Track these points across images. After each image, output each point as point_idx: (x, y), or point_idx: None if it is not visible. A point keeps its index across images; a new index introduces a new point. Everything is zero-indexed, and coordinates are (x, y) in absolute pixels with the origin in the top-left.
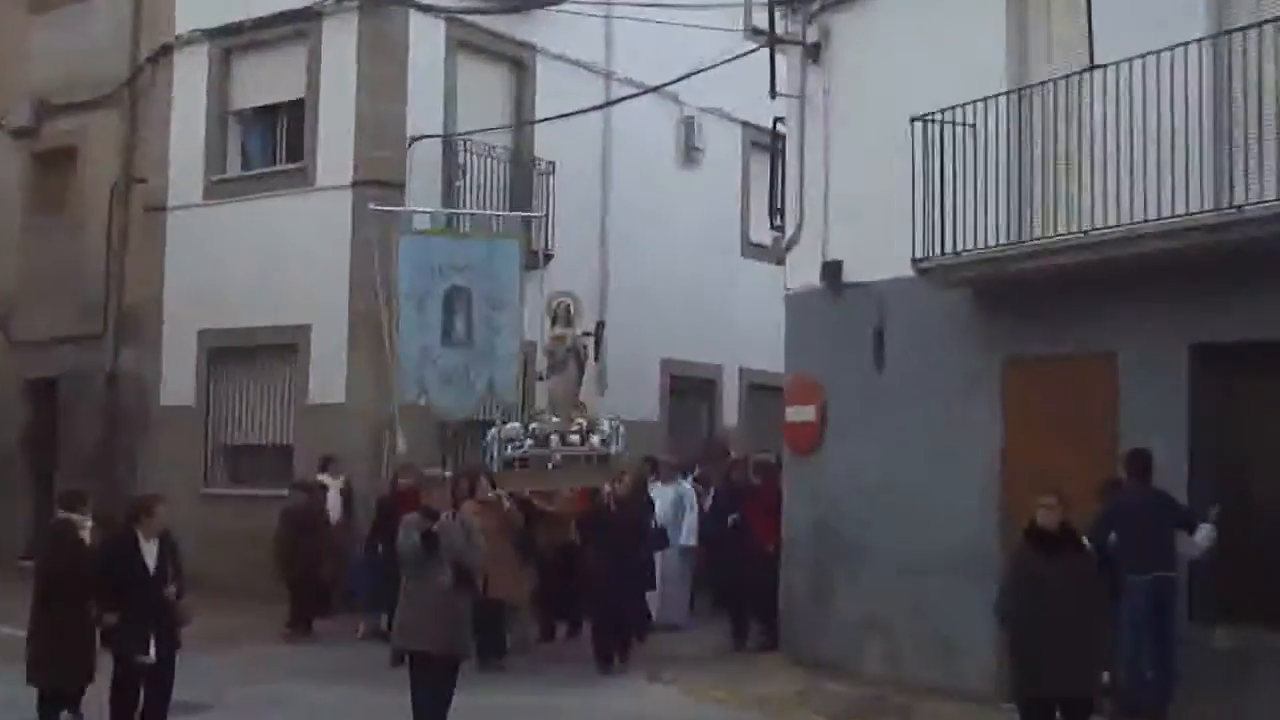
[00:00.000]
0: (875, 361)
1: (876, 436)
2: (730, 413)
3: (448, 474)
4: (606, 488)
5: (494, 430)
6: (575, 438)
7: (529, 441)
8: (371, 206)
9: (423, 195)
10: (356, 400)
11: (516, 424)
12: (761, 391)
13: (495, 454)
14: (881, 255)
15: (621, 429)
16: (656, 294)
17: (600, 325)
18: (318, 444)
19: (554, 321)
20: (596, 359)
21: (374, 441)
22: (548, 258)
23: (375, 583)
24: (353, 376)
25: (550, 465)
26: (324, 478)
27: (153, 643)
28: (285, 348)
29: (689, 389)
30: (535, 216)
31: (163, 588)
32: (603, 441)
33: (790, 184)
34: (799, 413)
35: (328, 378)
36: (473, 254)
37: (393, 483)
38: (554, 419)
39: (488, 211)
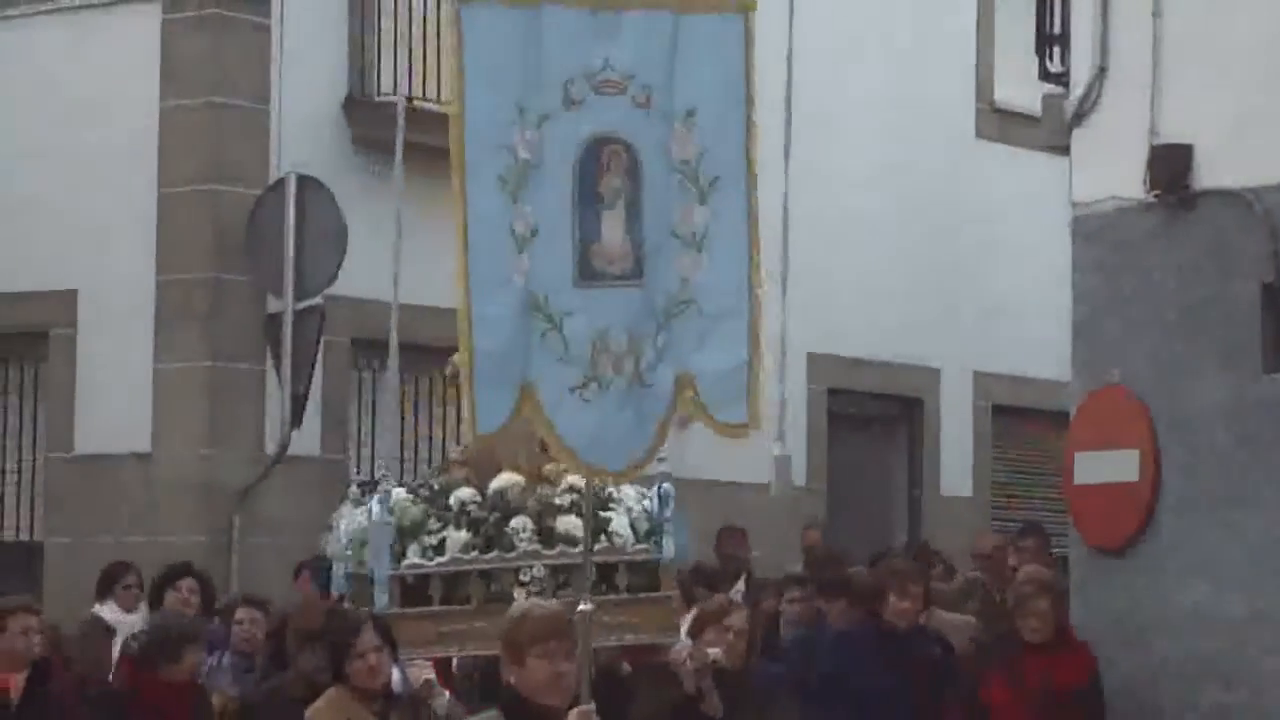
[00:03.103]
0: (1265, 355)
1: (1272, 519)
2: (955, 463)
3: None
4: (687, 657)
5: (349, 512)
6: (569, 522)
7: (453, 535)
8: None
9: (316, 23)
10: (177, 447)
11: (403, 491)
12: (1018, 419)
13: (381, 570)
14: (1278, 135)
15: (672, 496)
16: (798, 223)
17: None
18: (94, 540)
19: None
20: None
21: (215, 535)
22: None
23: None
24: (170, 397)
25: (525, 593)
26: (104, 611)
27: None
28: (27, 339)
29: (869, 417)
30: None
31: None
32: (638, 531)
33: None
34: (1102, 465)
35: (114, 401)
36: (640, 58)
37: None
38: (513, 478)
39: None
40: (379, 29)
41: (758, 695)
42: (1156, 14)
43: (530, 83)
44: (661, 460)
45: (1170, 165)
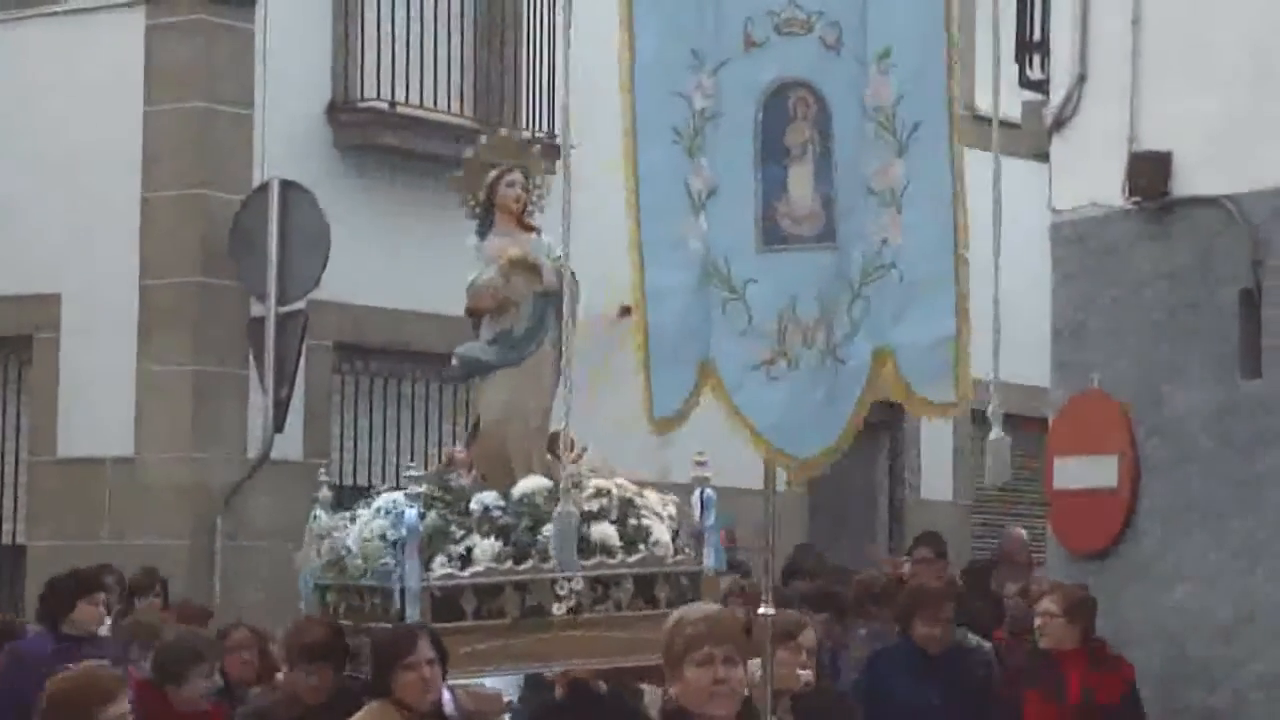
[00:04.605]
0: (1244, 361)
1: (1254, 523)
2: (936, 468)
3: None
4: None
5: (356, 514)
6: (603, 530)
7: (482, 544)
8: None
9: (299, 28)
10: (161, 450)
11: (401, 496)
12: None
13: (405, 579)
14: (1257, 142)
15: (713, 502)
16: None
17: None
18: (78, 543)
19: (484, 218)
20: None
21: (198, 538)
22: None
23: None
24: (154, 401)
25: (563, 607)
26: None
27: None
28: (11, 343)
29: None
30: None
31: None
32: (681, 540)
33: None
34: (1082, 470)
35: (98, 404)
36: None
37: None
38: (539, 482)
39: None
40: (362, 34)
41: (825, 715)
42: (1136, 22)
43: (706, 24)
44: (701, 463)
45: (1150, 172)
